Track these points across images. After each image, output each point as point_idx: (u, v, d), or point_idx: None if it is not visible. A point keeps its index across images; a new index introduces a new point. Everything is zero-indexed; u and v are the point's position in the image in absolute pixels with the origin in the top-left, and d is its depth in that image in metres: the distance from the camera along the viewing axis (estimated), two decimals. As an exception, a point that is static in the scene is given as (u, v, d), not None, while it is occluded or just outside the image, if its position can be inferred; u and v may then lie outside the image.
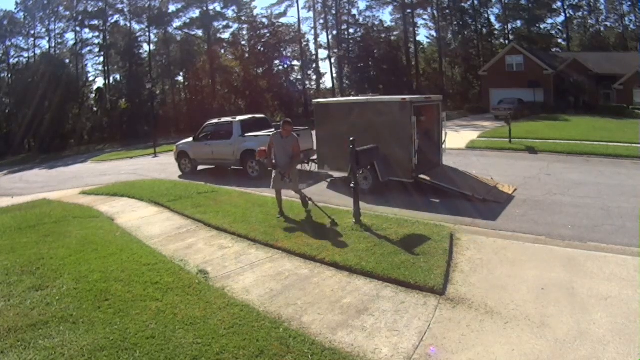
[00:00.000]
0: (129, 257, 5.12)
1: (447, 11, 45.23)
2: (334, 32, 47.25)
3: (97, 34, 44.51)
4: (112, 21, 44.22)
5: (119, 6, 43.76)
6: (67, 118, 41.75)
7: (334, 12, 46.47)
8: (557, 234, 5.68)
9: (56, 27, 44.18)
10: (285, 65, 44.15)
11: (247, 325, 3.48)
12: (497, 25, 45.39)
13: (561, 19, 43.78)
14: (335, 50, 46.66)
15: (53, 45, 44.28)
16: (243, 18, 45.08)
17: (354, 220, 5.98)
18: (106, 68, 44.62)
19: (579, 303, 3.71)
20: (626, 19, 42.53)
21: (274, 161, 6.80)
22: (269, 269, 4.81)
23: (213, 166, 12.41)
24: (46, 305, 3.87)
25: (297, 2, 45.76)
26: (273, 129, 11.06)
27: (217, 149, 11.58)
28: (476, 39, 44.65)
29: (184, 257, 5.29)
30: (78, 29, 43.92)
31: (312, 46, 47.31)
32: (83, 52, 44.97)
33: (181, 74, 45.80)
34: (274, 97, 43.21)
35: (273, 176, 6.80)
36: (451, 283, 4.24)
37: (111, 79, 45.38)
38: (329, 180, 10.05)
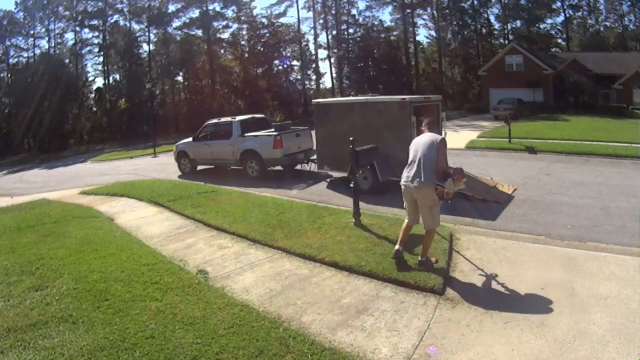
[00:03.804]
0: (129, 257, 5.11)
1: (447, 11, 45.28)
2: (334, 32, 47.33)
3: (96, 33, 44.58)
4: (112, 21, 44.31)
5: (119, 6, 43.80)
6: (67, 118, 41.78)
7: (333, 12, 46.51)
8: (557, 233, 5.68)
9: (56, 27, 44.24)
10: (285, 65, 44.19)
11: (246, 325, 3.47)
12: (496, 25, 45.51)
13: (561, 19, 43.92)
14: (335, 50, 46.69)
15: (52, 45, 44.35)
16: (243, 18, 45.10)
17: (354, 220, 5.98)
18: (106, 68, 44.63)
19: (578, 303, 3.71)
20: (626, 18, 42.66)
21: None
22: (269, 269, 4.81)
23: (213, 166, 12.41)
24: (46, 305, 3.87)
25: (297, 2, 45.85)
26: (272, 129, 11.08)
27: (216, 149, 11.57)
28: (476, 38, 44.68)
29: (183, 257, 5.28)
30: (77, 28, 43.98)
31: (311, 46, 47.45)
32: (82, 52, 45.02)
33: (181, 74, 45.83)
34: (274, 97, 43.22)
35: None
36: (451, 283, 4.24)
37: (111, 78, 45.45)
38: (328, 180, 10.05)
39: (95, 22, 43.90)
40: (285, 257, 5.15)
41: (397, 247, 4.54)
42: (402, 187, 4.53)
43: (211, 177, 11.33)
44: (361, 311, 3.76)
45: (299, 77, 46.22)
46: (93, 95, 44.67)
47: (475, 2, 43.38)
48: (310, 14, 47.05)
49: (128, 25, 44.12)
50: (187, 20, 44.75)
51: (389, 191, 8.24)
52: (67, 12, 43.30)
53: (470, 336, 3.32)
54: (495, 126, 20.59)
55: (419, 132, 5.30)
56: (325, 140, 9.29)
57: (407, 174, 4.45)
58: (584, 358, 2.98)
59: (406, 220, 4.65)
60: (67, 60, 44.49)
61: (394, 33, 47.54)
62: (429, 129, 4.72)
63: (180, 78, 46.73)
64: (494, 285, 4.17)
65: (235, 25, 45.57)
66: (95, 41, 44.86)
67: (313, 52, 47.50)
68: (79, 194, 10.62)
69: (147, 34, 44.27)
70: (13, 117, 40.25)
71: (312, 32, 48.05)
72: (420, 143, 4.50)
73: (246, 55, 42.95)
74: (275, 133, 10.46)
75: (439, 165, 4.32)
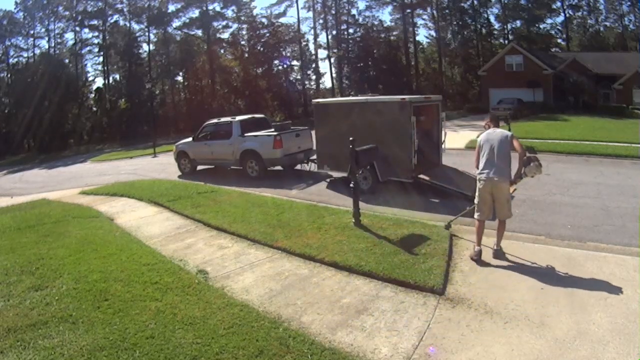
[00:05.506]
0: (129, 257, 5.12)
1: (447, 11, 45.25)
2: (334, 32, 47.30)
3: (96, 33, 44.59)
4: (112, 21, 44.33)
5: (119, 6, 43.81)
6: (67, 118, 41.77)
7: (333, 12, 46.47)
8: (557, 233, 5.69)
9: (55, 27, 44.24)
10: (285, 65, 44.17)
11: (246, 325, 3.48)
12: (496, 25, 45.46)
13: (561, 18, 43.89)
14: (335, 50, 46.66)
15: (52, 45, 44.36)
16: (242, 18, 45.07)
17: (354, 220, 5.98)
18: (106, 68, 44.64)
19: (578, 303, 3.71)
20: (625, 18, 42.65)
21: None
22: (269, 269, 4.81)
23: (212, 166, 12.41)
24: (45, 305, 3.87)
25: (297, 2, 45.79)
26: (272, 129, 11.09)
27: (216, 149, 11.57)
28: (476, 38, 44.65)
29: (183, 257, 5.28)
30: (77, 28, 43.98)
31: (311, 46, 47.41)
32: (82, 52, 45.03)
33: (181, 73, 45.82)
34: (274, 97, 43.21)
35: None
36: (451, 283, 4.24)
37: (110, 78, 45.46)
38: (328, 180, 10.04)
39: (95, 22, 43.92)
40: (285, 257, 5.15)
41: (477, 247, 4.80)
42: (482, 182, 4.73)
43: (211, 177, 11.32)
44: (361, 311, 3.76)
45: (298, 77, 46.24)
46: (93, 95, 44.67)
47: (475, 2, 43.35)
48: (310, 14, 47.06)
49: (128, 25, 44.16)
50: (187, 20, 44.79)
51: (389, 191, 8.25)
52: (67, 12, 43.32)
53: (470, 336, 3.33)
54: (495, 126, 20.56)
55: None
56: (325, 140, 9.29)
57: (487, 170, 4.69)
58: (584, 358, 2.98)
59: (477, 219, 4.86)
60: (67, 60, 44.51)
61: (394, 33, 47.54)
62: (494, 125, 5.08)
63: (180, 78, 46.78)
64: (494, 285, 4.17)
65: (235, 25, 45.61)
66: (95, 41, 44.94)
67: (313, 52, 47.53)
68: (78, 194, 10.62)
69: (147, 34, 44.32)
70: (13, 117, 40.23)
71: (312, 32, 48.03)
72: (493, 140, 4.76)
73: (246, 55, 42.93)
74: (275, 133, 10.46)
75: (520, 152, 4.69)
